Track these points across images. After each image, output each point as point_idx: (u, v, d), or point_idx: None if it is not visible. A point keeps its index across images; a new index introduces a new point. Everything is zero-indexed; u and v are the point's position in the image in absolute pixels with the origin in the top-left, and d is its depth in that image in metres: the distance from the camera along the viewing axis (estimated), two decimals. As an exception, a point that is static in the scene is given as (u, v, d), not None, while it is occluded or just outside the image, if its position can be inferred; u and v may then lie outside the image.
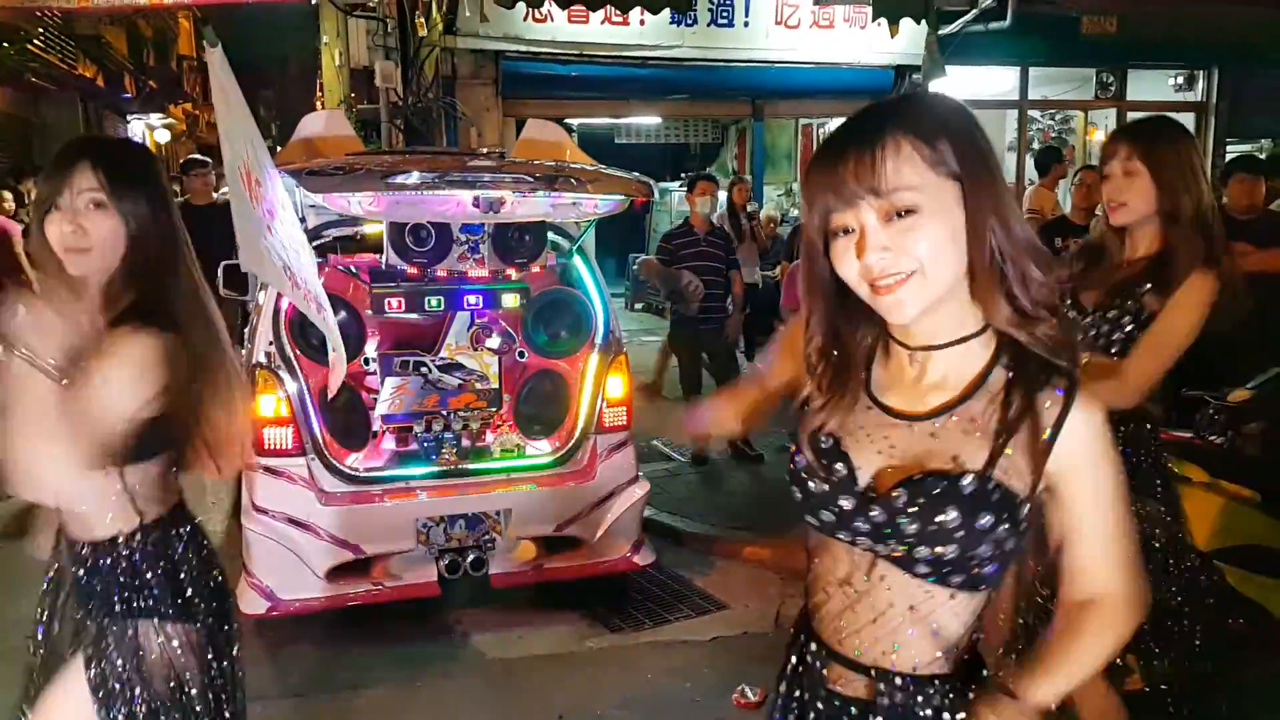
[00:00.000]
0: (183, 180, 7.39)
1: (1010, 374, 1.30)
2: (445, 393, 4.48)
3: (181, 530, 2.06)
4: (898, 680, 1.34)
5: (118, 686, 1.96)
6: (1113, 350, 2.51)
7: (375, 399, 4.42)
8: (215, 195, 6.97)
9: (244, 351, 4.39)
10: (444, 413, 4.44)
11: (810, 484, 1.35)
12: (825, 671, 1.41)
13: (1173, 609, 2.59)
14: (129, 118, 23.17)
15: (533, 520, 4.21)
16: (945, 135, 1.23)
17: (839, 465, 1.34)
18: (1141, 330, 2.47)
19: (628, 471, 4.39)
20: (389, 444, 4.45)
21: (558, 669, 3.96)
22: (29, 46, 14.00)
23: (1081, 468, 1.29)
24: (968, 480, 1.25)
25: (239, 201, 2.54)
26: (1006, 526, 1.25)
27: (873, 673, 1.36)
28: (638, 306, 13.56)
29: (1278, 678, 3.01)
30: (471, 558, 4.06)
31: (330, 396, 3.87)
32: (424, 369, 4.45)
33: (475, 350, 4.55)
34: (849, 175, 1.22)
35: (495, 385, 4.57)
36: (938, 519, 1.24)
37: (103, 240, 1.92)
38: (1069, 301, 2.63)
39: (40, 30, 14.48)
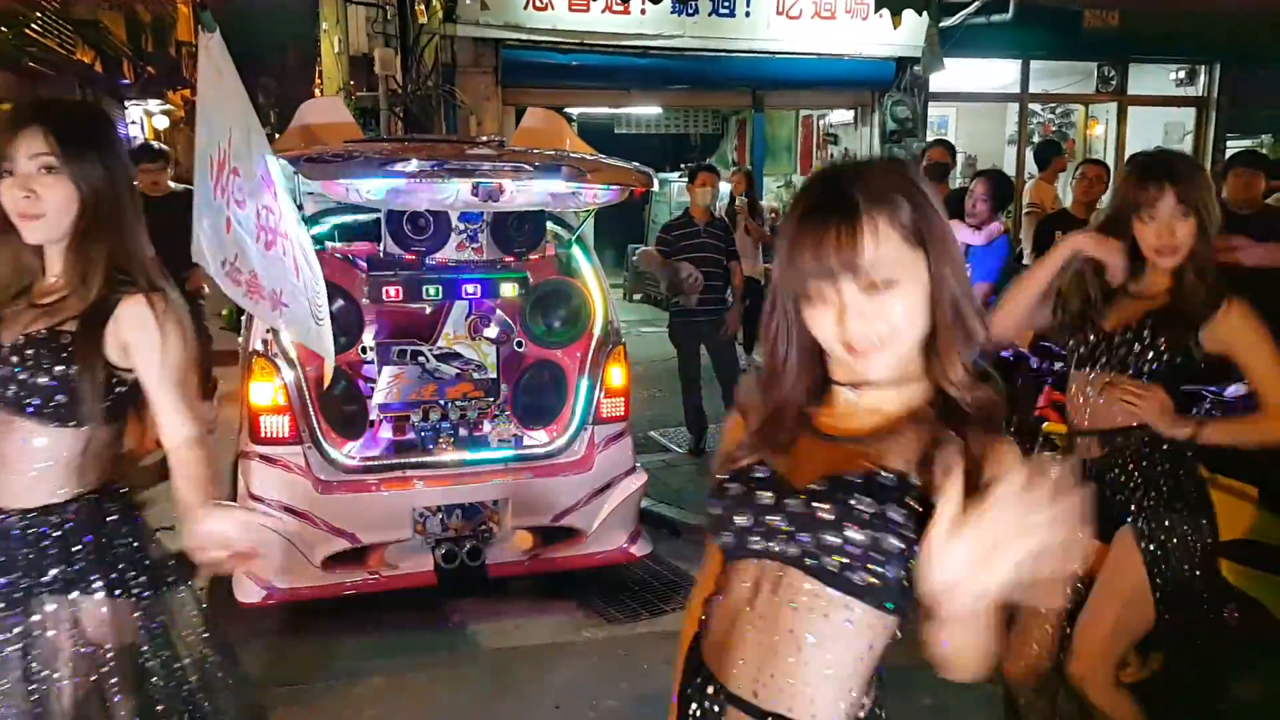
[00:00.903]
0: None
1: (939, 409, 1.34)
2: (443, 382, 4.47)
3: (114, 503, 2.03)
4: None
5: (42, 662, 1.92)
6: (1143, 374, 2.59)
7: (372, 388, 4.41)
8: (172, 185, 6.33)
9: (241, 340, 4.38)
10: (441, 402, 4.44)
11: (730, 489, 1.41)
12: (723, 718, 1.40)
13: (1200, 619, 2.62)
14: (127, 104, 23.09)
15: (530, 510, 4.20)
16: (910, 206, 1.29)
17: (759, 471, 1.40)
18: (1176, 355, 2.56)
19: (625, 462, 4.39)
20: (386, 433, 4.44)
21: (554, 659, 3.96)
22: (27, 31, 13.93)
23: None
24: (887, 475, 1.30)
25: (202, 191, 2.51)
26: (914, 531, 1.26)
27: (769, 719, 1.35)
28: (636, 297, 13.57)
29: (1275, 675, 3.02)
30: (468, 547, 4.06)
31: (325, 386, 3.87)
32: (421, 358, 4.45)
33: (473, 340, 4.54)
34: (832, 252, 1.27)
35: (493, 375, 4.57)
36: (851, 503, 1.28)
37: (56, 205, 1.89)
38: (1090, 325, 2.67)
39: (38, 15, 14.42)
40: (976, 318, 1.34)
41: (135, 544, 2.03)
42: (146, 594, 2.00)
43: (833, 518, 1.29)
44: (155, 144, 7.03)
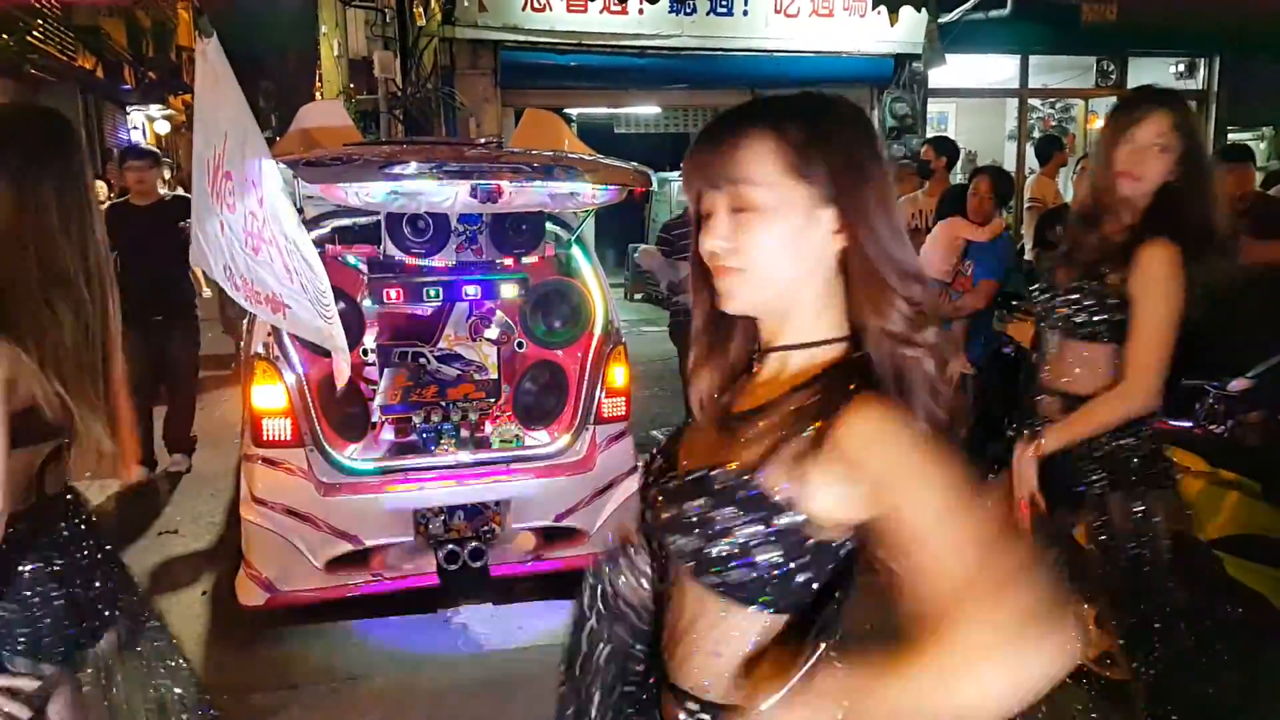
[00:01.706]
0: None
1: (823, 383, 1.23)
2: (444, 383, 4.47)
3: (26, 554, 1.78)
4: (690, 704, 1.30)
5: None
6: (1079, 332, 2.52)
7: (374, 390, 4.42)
8: (163, 192, 5.95)
9: (243, 343, 4.38)
10: (443, 403, 4.44)
11: (646, 477, 1.39)
12: (661, 700, 1.39)
13: (1168, 606, 2.59)
14: (128, 109, 23.13)
15: (531, 511, 4.20)
16: (818, 140, 1.22)
17: (659, 458, 1.39)
18: (1105, 311, 2.46)
19: (627, 462, 4.39)
20: (388, 435, 4.45)
21: (556, 659, 3.94)
22: (28, 38, 13.96)
23: (882, 475, 1.13)
24: (719, 472, 1.22)
25: (200, 196, 2.52)
26: (755, 529, 1.19)
27: (683, 698, 1.32)
28: (637, 297, 13.56)
29: (1277, 668, 3.00)
30: (470, 548, 4.06)
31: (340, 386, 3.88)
32: (423, 360, 4.45)
33: (474, 341, 4.55)
34: (715, 159, 1.24)
35: (494, 376, 4.57)
36: (684, 506, 1.24)
37: None
38: (1046, 283, 2.63)
39: (40, 21, 14.46)
40: (910, 278, 1.22)
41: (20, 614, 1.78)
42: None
43: (670, 516, 1.25)
44: (144, 144, 6.78)
